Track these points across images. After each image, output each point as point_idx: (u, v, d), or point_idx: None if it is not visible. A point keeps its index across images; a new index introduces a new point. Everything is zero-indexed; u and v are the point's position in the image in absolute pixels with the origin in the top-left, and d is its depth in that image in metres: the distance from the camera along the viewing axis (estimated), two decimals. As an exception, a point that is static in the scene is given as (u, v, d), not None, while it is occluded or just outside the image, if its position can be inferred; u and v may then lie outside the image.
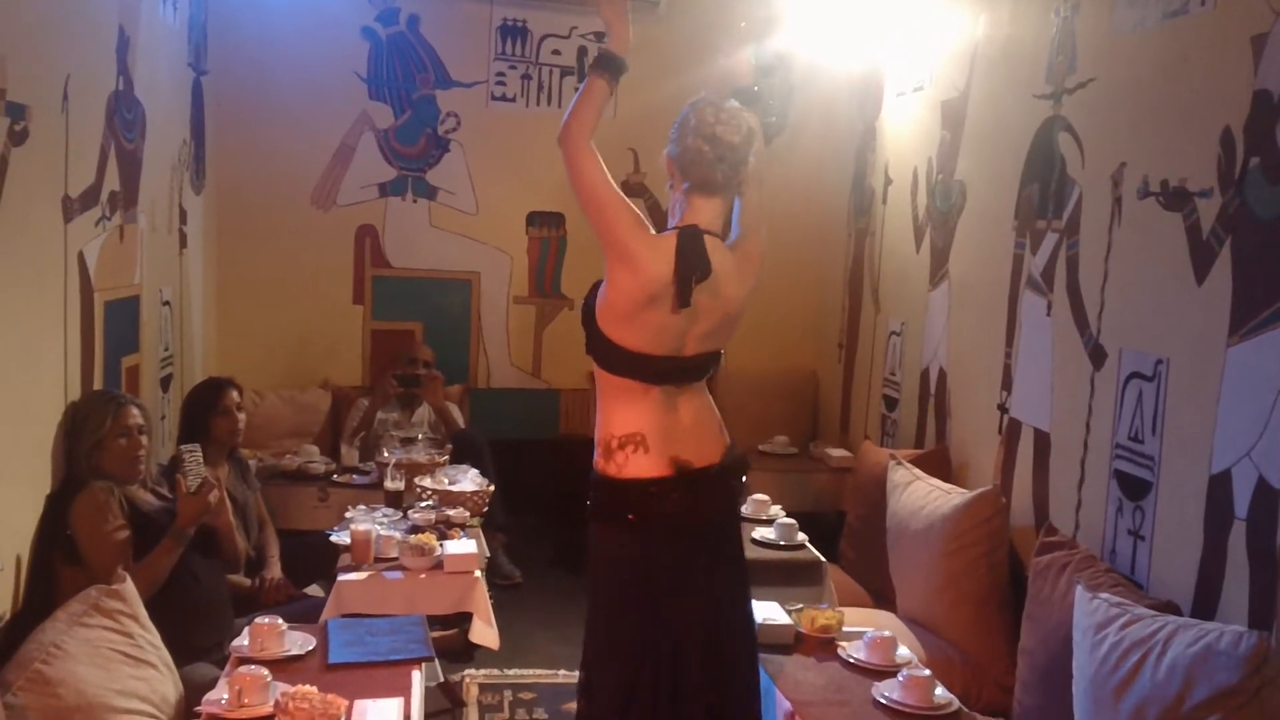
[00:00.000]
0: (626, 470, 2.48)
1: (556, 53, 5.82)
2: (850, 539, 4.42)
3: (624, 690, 2.48)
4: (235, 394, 3.94)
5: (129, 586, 2.81)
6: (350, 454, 5.03)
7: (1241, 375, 2.55)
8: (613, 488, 2.50)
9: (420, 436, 4.78)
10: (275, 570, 3.88)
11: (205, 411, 3.89)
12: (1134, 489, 2.96)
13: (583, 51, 5.81)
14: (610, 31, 2.51)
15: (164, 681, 2.75)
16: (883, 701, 2.52)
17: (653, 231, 2.45)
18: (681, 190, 2.53)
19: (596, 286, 2.53)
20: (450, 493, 3.93)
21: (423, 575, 3.37)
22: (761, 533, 3.86)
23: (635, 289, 2.41)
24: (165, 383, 4.41)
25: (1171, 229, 2.83)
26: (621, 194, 2.44)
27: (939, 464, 4.07)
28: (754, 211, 2.62)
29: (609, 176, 2.42)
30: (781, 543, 3.80)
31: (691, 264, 2.40)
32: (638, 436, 2.47)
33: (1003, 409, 3.79)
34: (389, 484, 4.04)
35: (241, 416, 3.96)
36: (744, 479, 2.68)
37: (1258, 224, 2.53)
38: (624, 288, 2.43)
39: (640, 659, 2.49)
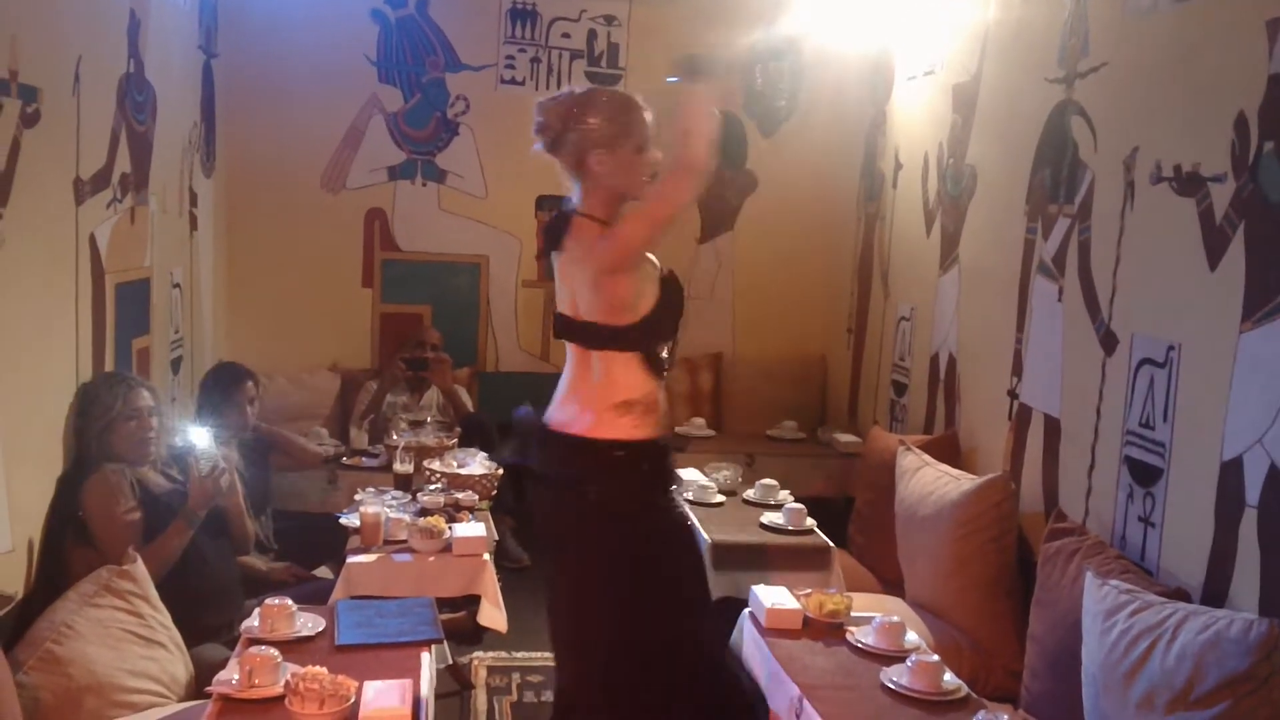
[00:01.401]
0: (640, 431, 2.66)
1: (566, 36, 5.79)
2: (859, 524, 4.41)
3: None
4: (252, 385, 4.04)
5: (140, 567, 2.83)
6: (359, 437, 5.06)
7: (1254, 362, 2.53)
8: (647, 450, 2.66)
9: (429, 420, 4.78)
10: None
11: (223, 399, 3.98)
12: (1145, 475, 2.95)
13: (592, 35, 5.79)
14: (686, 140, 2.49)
15: (174, 661, 2.78)
16: (891, 687, 2.52)
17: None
18: None
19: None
20: (459, 476, 3.94)
21: (431, 558, 3.38)
22: (770, 517, 3.85)
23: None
24: (175, 365, 4.42)
25: (1184, 214, 2.81)
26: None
27: (948, 449, 4.07)
28: (638, 207, 2.76)
29: None
30: (790, 528, 3.79)
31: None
32: (650, 399, 2.72)
33: (1013, 394, 3.78)
34: (398, 467, 4.04)
35: (255, 407, 4.07)
36: None
37: (1271, 209, 2.51)
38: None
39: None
